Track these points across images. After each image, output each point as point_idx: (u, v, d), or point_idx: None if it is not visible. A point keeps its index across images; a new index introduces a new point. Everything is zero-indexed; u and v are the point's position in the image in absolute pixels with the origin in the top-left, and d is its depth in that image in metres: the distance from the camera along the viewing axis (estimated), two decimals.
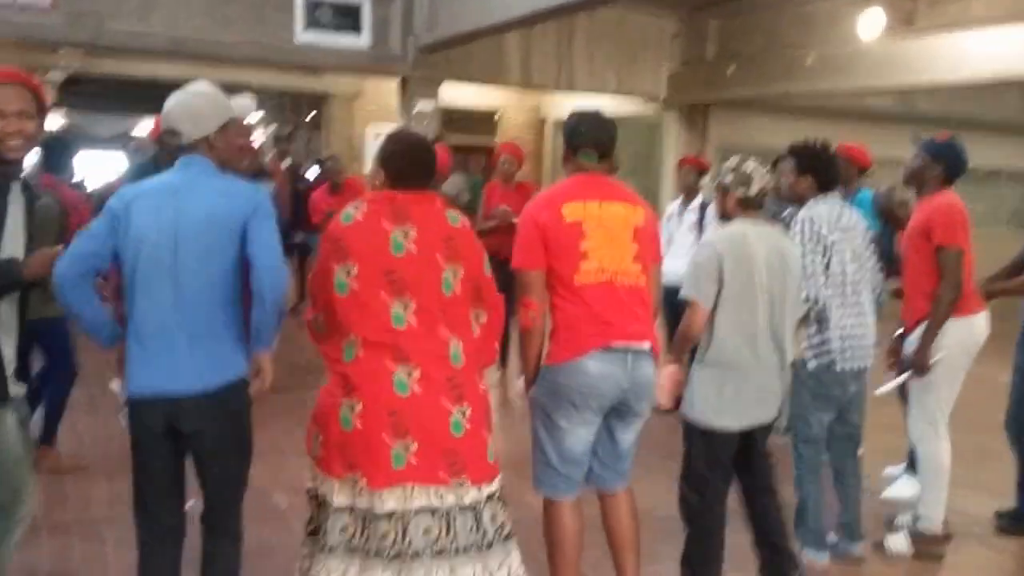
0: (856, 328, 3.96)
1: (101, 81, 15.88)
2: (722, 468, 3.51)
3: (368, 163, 10.80)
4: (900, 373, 4.30)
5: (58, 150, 5.17)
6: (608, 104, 12.61)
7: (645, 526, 4.42)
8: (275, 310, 2.74)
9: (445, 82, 10.42)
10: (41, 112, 2.80)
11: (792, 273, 3.47)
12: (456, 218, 2.88)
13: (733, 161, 3.56)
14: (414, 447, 2.68)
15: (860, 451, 4.35)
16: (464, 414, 2.76)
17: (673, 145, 11.93)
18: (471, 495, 2.76)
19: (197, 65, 11.03)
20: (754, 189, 3.45)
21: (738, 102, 11.46)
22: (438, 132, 8.45)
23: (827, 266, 3.88)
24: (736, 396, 3.41)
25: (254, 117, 17.96)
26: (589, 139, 3.32)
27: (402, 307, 2.73)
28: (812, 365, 3.98)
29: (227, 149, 2.85)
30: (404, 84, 10.14)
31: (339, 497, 2.76)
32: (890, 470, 5.35)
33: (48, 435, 5.03)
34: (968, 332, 4.18)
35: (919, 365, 4.10)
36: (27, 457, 2.92)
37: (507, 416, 5.11)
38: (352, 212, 2.82)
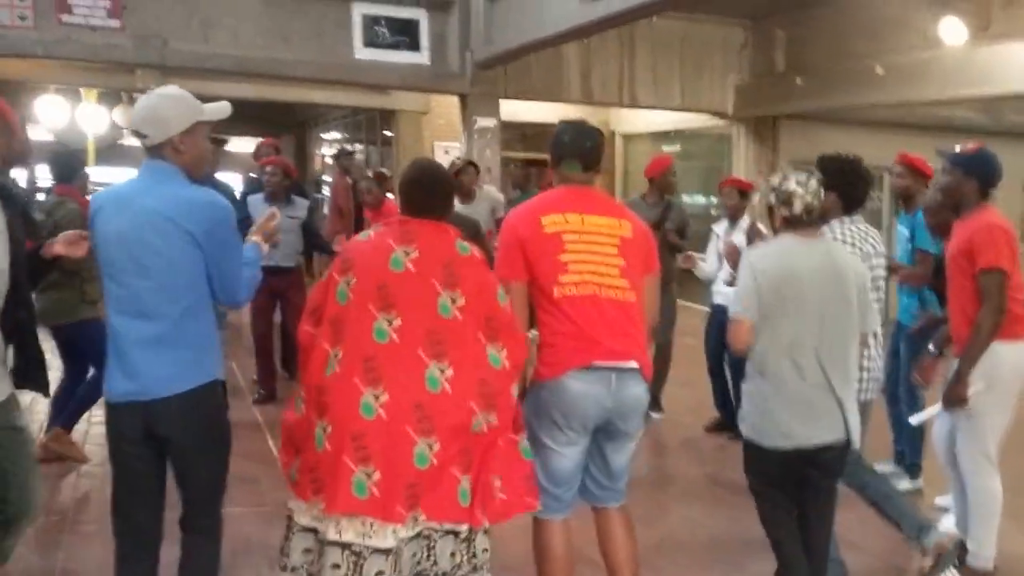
0: (866, 360, 3.71)
1: None
2: (773, 483, 3.36)
3: None
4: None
5: (64, 162, 5.42)
6: (675, 118, 12.48)
7: (685, 552, 4.30)
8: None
9: (505, 98, 10.41)
10: (7, 130, 2.81)
11: (850, 288, 3.28)
12: (466, 248, 2.86)
13: (776, 179, 3.39)
14: (376, 476, 2.60)
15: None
16: (431, 447, 2.65)
17: (742, 159, 11.65)
18: (423, 524, 2.70)
19: (263, 84, 11.31)
20: (797, 207, 3.28)
21: (809, 114, 11.12)
22: (465, 159, 8.27)
23: None
24: (779, 413, 3.24)
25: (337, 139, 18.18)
26: (572, 149, 3.25)
27: (386, 322, 2.69)
28: None
29: (194, 153, 2.78)
30: (464, 101, 10.15)
31: (304, 517, 2.74)
32: (940, 500, 5.04)
33: (69, 421, 5.26)
34: (1020, 357, 3.91)
35: (955, 399, 3.86)
36: (35, 468, 3.02)
37: None
38: (370, 231, 2.92)
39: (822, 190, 3.33)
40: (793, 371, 3.21)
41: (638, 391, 3.13)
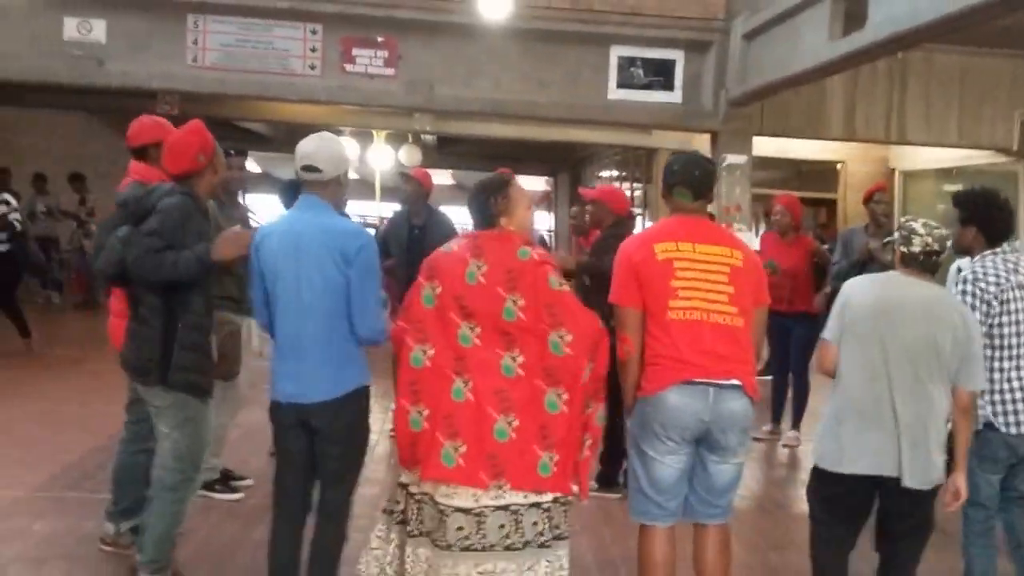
0: None
1: (468, 142, 17.48)
2: (836, 512, 3.43)
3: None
4: None
5: (290, 192, 6.00)
6: (959, 155, 11.53)
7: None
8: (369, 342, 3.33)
9: (761, 135, 10.15)
10: (218, 164, 3.67)
11: (945, 335, 3.28)
12: (526, 252, 3.20)
13: (905, 219, 3.52)
14: (463, 449, 3.08)
15: None
16: (510, 424, 3.09)
17: None
18: (509, 497, 3.08)
19: (521, 124, 11.82)
20: (916, 246, 3.35)
21: None
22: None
23: (994, 324, 3.60)
24: (853, 439, 3.30)
25: None
26: (681, 178, 3.40)
27: (469, 329, 3.16)
28: (977, 424, 3.60)
29: (344, 189, 3.38)
30: (715, 138, 10.04)
31: (413, 487, 3.21)
32: None
33: None
34: None
35: None
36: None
37: None
38: (452, 244, 3.34)
39: (948, 240, 3.42)
40: (874, 399, 3.27)
41: (737, 406, 3.26)
